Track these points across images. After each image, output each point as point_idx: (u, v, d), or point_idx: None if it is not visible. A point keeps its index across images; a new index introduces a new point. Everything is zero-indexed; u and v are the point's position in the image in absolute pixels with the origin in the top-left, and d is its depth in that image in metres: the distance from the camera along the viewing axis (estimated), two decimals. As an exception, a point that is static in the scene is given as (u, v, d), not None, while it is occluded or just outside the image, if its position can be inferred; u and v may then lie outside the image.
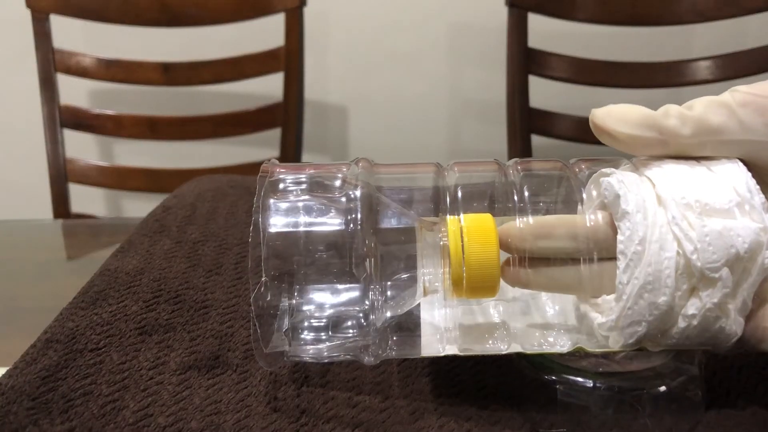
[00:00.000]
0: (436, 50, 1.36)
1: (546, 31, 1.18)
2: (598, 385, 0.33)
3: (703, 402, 0.34)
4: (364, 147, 1.43)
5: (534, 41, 1.16)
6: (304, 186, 0.34)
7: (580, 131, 1.17)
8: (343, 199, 0.33)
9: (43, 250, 0.69)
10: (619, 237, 0.31)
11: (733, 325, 0.31)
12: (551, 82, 1.18)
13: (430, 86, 1.39)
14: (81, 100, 1.34)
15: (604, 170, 0.33)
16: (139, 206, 1.45)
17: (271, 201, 0.33)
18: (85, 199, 1.32)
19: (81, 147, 1.32)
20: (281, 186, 0.34)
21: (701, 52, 1.18)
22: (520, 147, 1.18)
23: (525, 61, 1.16)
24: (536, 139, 1.19)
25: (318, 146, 1.43)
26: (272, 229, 0.33)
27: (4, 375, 0.37)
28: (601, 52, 1.18)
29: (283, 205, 0.33)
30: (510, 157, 1.20)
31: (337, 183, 0.34)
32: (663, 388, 0.33)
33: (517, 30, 1.15)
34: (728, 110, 0.31)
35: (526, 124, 1.18)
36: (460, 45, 1.36)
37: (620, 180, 0.32)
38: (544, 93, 1.19)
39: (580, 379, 0.34)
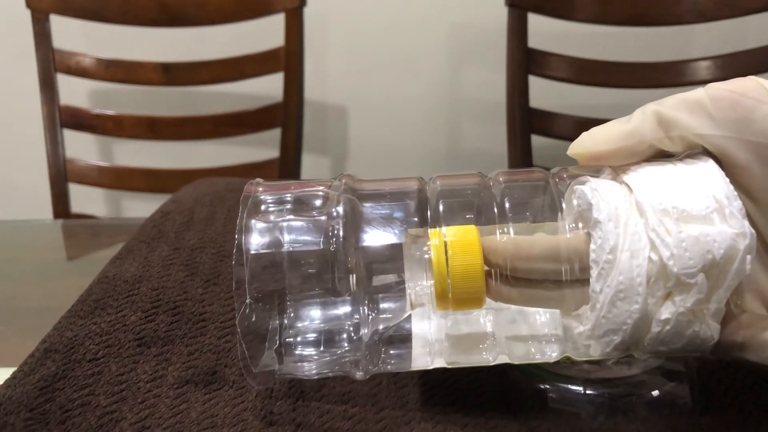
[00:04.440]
0: (436, 50, 1.36)
1: (546, 31, 1.18)
2: (588, 392, 0.34)
3: (696, 405, 0.34)
4: (364, 147, 1.43)
5: (534, 41, 1.15)
6: (286, 205, 0.34)
7: (580, 131, 1.16)
8: (325, 217, 0.33)
9: (43, 250, 0.69)
10: (592, 245, 0.31)
11: (708, 330, 0.31)
12: (551, 82, 1.18)
13: (430, 86, 1.39)
14: (81, 100, 1.34)
15: (580, 179, 0.33)
16: (139, 206, 1.45)
17: (253, 221, 0.33)
18: (85, 199, 1.32)
19: (81, 147, 1.32)
20: (263, 207, 0.34)
21: (701, 52, 1.17)
22: (520, 147, 1.18)
23: (525, 61, 1.16)
24: (536, 139, 1.19)
25: (318, 146, 1.43)
26: (255, 250, 0.33)
27: (1, 386, 0.38)
28: (601, 52, 1.18)
29: (266, 226, 0.33)
30: (510, 157, 1.21)
31: (320, 201, 0.34)
32: (655, 393, 0.34)
33: (517, 30, 1.15)
34: (700, 106, 0.32)
35: (526, 124, 1.18)
36: (460, 45, 1.36)
37: (594, 188, 0.32)
38: (544, 93, 1.19)
39: (570, 387, 0.34)
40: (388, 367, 0.34)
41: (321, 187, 0.35)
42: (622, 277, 0.30)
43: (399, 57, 1.37)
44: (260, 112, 1.21)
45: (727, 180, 0.31)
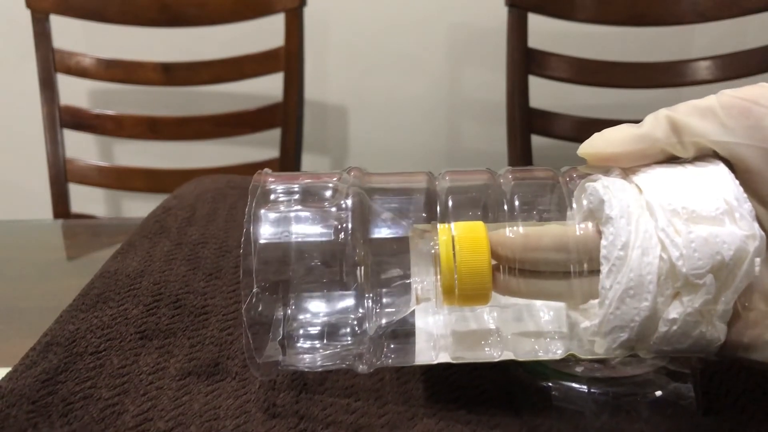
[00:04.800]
0: (436, 50, 1.36)
1: (546, 31, 1.18)
2: (592, 390, 0.33)
3: (700, 406, 0.34)
4: (364, 147, 1.43)
5: (534, 41, 1.16)
6: (295, 196, 0.34)
7: (580, 131, 1.17)
8: (334, 209, 0.33)
9: (43, 250, 0.69)
10: (603, 242, 0.31)
11: (715, 331, 0.31)
12: (551, 82, 1.18)
13: (430, 86, 1.39)
14: (81, 100, 1.34)
15: (591, 176, 0.33)
16: (139, 206, 1.45)
17: (262, 211, 0.33)
18: (85, 199, 1.32)
19: (81, 147, 1.32)
20: (272, 197, 0.34)
21: (701, 52, 1.18)
22: (520, 147, 1.18)
23: (525, 61, 1.16)
24: (536, 139, 1.19)
25: (318, 146, 1.43)
26: (263, 240, 0.33)
27: (3, 378, 0.38)
28: (601, 52, 1.18)
29: (274, 216, 0.33)
30: (510, 157, 1.21)
31: (329, 193, 0.34)
32: (659, 393, 0.33)
33: (517, 30, 1.15)
34: (711, 113, 0.32)
35: (526, 124, 1.18)
36: (460, 45, 1.36)
37: (605, 185, 0.32)
38: (544, 93, 1.19)
39: (574, 385, 0.34)
40: (392, 361, 0.34)
41: (330, 179, 0.35)
42: (632, 274, 0.30)
43: (399, 57, 1.37)
44: (260, 112, 1.21)
45: (737, 182, 0.31)
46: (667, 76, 1.16)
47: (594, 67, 1.17)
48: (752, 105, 0.31)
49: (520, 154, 1.18)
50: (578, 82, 1.17)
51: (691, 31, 1.27)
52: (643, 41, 1.29)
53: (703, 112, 0.32)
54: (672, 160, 0.34)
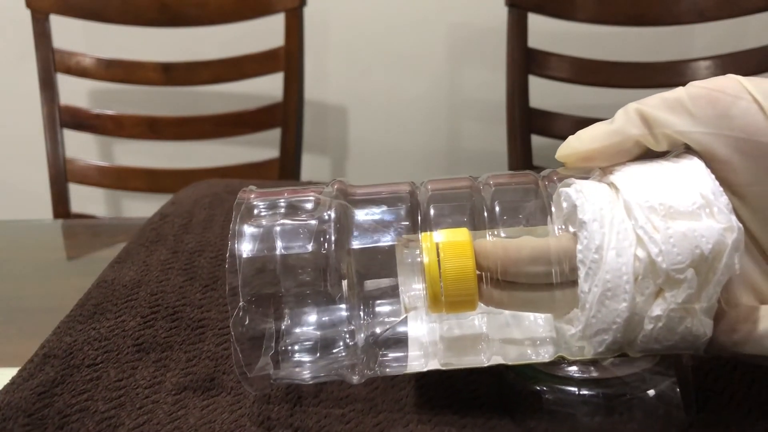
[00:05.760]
0: (436, 50, 1.36)
1: (546, 31, 1.18)
2: (583, 392, 0.34)
3: (692, 404, 0.34)
4: (364, 147, 1.43)
5: (534, 41, 1.15)
6: (279, 210, 0.35)
7: (580, 131, 1.17)
8: (316, 221, 0.34)
9: (43, 250, 0.69)
10: (578, 246, 0.31)
11: (700, 325, 0.31)
12: (551, 82, 1.18)
13: (430, 86, 1.39)
14: (81, 100, 1.34)
15: (566, 180, 0.34)
16: (139, 206, 1.45)
17: (245, 227, 0.34)
18: (85, 199, 1.33)
19: (81, 147, 1.32)
20: (256, 212, 0.35)
21: (701, 52, 1.17)
22: (519, 147, 1.18)
23: (525, 61, 1.16)
24: (536, 139, 1.19)
25: (318, 146, 1.43)
26: (247, 255, 0.33)
27: (0, 391, 0.38)
28: (601, 52, 1.18)
29: (257, 231, 0.34)
30: (510, 157, 1.21)
31: (312, 206, 0.35)
32: (651, 393, 0.33)
33: (517, 30, 1.15)
34: (680, 104, 0.32)
35: (526, 124, 1.18)
36: (460, 45, 1.36)
37: (578, 190, 0.32)
38: (544, 93, 1.19)
39: (565, 388, 0.34)
40: (386, 370, 0.35)
41: (313, 193, 0.35)
42: (609, 276, 0.30)
43: (399, 57, 1.37)
44: (260, 112, 1.21)
45: (713, 176, 0.31)
46: (667, 76, 1.16)
47: (594, 67, 1.17)
48: (719, 94, 0.31)
49: (520, 154, 1.18)
50: (578, 82, 1.17)
51: (691, 31, 1.27)
52: (643, 41, 1.29)
53: (671, 103, 0.32)
54: (648, 156, 0.34)
